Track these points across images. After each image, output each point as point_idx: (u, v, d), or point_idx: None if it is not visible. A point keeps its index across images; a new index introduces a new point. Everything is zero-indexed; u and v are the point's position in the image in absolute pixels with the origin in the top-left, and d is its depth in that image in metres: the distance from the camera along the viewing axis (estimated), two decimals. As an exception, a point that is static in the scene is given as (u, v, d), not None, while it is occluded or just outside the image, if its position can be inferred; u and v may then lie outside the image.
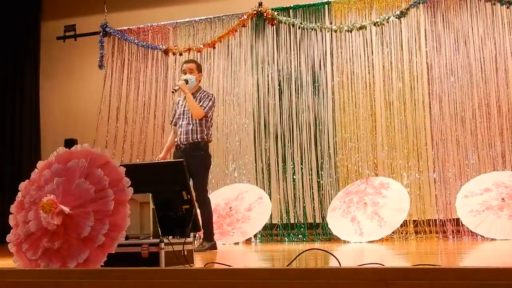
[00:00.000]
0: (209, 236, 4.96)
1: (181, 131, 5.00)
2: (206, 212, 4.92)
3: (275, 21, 6.71)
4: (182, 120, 5.03)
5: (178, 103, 5.20)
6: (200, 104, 4.99)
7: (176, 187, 2.98)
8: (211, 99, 5.08)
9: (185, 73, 5.08)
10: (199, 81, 5.18)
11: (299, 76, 6.62)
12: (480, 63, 6.06)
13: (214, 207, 6.24)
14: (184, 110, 5.06)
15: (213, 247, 4.95)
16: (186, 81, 4.99)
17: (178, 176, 3.00)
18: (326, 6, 6.63)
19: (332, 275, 1.80)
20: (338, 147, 6.41)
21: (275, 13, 6.71)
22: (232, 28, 6.86)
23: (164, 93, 7.06)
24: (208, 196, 5.14)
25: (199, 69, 5.23)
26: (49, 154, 2.72)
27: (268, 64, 6.73)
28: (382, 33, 6.39)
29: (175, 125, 5.14)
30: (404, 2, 6.35)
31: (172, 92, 5.10)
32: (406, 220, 5.83)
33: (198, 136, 4.96)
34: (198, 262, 3.40)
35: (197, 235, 5.95)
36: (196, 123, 4.99)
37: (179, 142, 5.00)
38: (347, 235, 5.67)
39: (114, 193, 2.45)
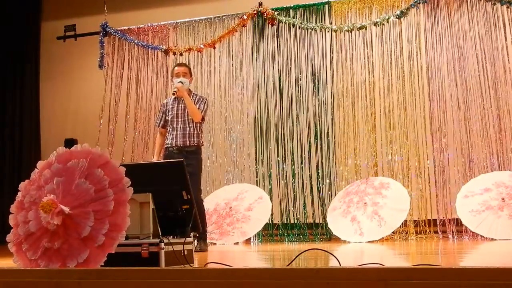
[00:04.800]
0: (205, 236, 5.03)
1: (176, 134, 5.02)
2: (203, 213, 4.97)
3: (275, 21, 6.72)
4: (177, 123, 5.04)
5: (166, 105, 5.20)
6: (197, 107, 5.03)
7: (176, 187, 2.98)
8: (206, 102, 5.16)
9: (178, 76, 5.11)
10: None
11: (299, 76, 6.62)
12: (480, 63, 6.06)
13: (214, 207, 6.26)
14: (178, 113, 5.06)
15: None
16: (181, 84, 5.05)
17: (178, 176, 3.00)
18: (326, 6, 6.63)
19: (332, 275, 1.80)
20: (338, 146, 6.41)
21: (275, 13, 6.71)
22: (233, 28, 6.86)
23: (164, 93, 7.06)
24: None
25: (191, 72, 5.30)
26: (49, 154, 2.72)
27: (268, 64, 6.73)
28: (382, 33, 6.39)
29: (163, 127, 5.17)
30: (404, 2, 6.34)
31: (173, 93, 5.09)
32: (406, 220, 5.83)
33: (195, 139, 5.02)
34: (198, 262, 3.40)
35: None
36: (193, 126, 5.03)
37: (173, 145, 5.01)
38: (347, 235, 5.67)
39: (114, 193, 2.45)
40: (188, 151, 4.97)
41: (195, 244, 4.88)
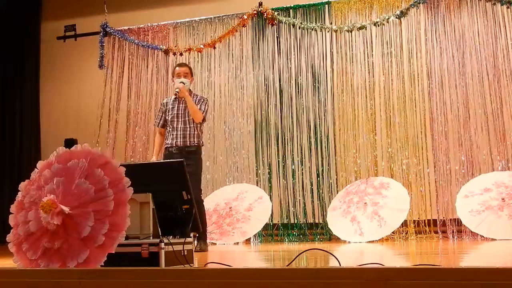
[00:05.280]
0: (205, 236, 5.03)
1: (177, 134, 5.02)
2: (203, 213, 4.98)
3: (275, 21, 6.72)
4: (177, 124, 5.04)
5: (166, 105, 5.20)
6: (198, 108, 5.04)
7: (176, 187, 2.98)
8: (207, 103, 5.18)
9: (180, 77, 5.11)
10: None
11: (299, 76, 6.62)
12: (480, 63, 6.06)
13: (214, 207, 6.26)
14: (178, 113, 5.07)
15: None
16: (183, 84, 5.06)
17: (178, 176, 3.00)
18: (326, 6, 6.63)
19: (332, 275, 1.80)
20: (338, 146, 6.41)
21: (275, 13, 6.71)
22: (233, 28, 6.86)
23: (164, 93, 7.06)
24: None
25: (192, 73, 5.32)
26: (49, 154, 2.72)
27: (268, 64, 6.73)
28: (382, 33, 6.39)
29: (163, 127, 5.17)
30: (404, 2, 6.35)
31: (175, 94, 5.09)
32: (406, 220, 5.83)
33: (196, 140, 5.02)
34: (198, 262, 3.40)
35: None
36: (193, 126, 5.03)
37: (174, 145, 5.01)
38: (347, 235, 5.67)
39: (114, 193, 2.45)
40: (188, 151, 4.98)
41: (195, 244, 4.88)
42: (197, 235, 4.86)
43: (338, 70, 6.52)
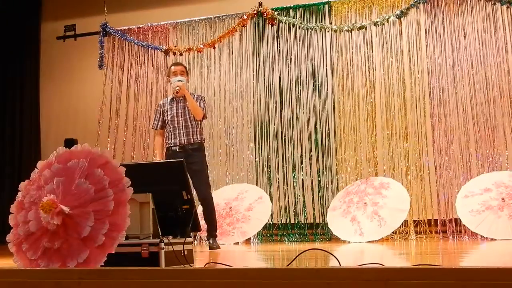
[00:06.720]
0: (215, 233, 5.07)
1: (179, 133, 5.04)
2: (213, 210, 5.03)
3: (275, 21, 6.72)
4: (178, 123, 5.07)
5: (163, 106, 5.21)
6: (198, 105, 5.08)
7: (176, 187, 2.98)
8: (205, 100, 5.23)
9: (176, 75, 5.13)
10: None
11: (299, 76, 6.62)
12: (481, 63, 6.06)
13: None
14: (178, 112, 5.09)
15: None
16: (181, 82, 5.09)
17: (178, 176, 3.00)
18: (326, 6, 6.63)
19: (332, 275, 1.80)
20: (338, 146, 6.41)
21: (275, 13, 6.71)
22: (232, 28, 6.86)
23: (164, 93, 7.05)
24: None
25: (187, 71, 5.39)
26: (49, 154, 2.72)
27: (269, 64, 6.73)
28: (382, 33, 6.39)
29: (162, 128, 5.19)
30: (404, 2, 6.34)
31: (176, 92, 5.11)
32: (406, 220, 5.83)
33: (198, 137, 5.07)
34: (198, 262, 3.40)
35: (197, 235, 5.98)
36: (195, 124, 5.07)
37: (177, 143, 5.03)
38: (347, 235, 5.67)
39: (114, 193, 2.45)
40: (192, 149, 5.03)
41: (214, 244, 4.93)
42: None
43: (338, 70, 6.52)
